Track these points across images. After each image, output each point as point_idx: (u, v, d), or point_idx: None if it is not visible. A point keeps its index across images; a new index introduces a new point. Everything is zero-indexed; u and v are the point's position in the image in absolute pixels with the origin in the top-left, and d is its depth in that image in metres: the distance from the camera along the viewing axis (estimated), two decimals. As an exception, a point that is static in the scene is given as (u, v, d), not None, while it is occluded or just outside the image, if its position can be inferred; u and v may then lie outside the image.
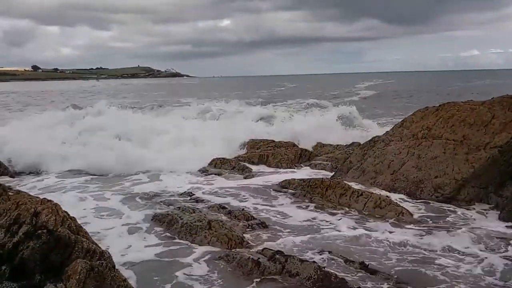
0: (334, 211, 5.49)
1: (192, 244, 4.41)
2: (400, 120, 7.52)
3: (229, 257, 3.99)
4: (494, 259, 3.95)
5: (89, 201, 6.01)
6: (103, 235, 4.57)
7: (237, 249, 4.25)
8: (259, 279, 3.58)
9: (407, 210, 5.38)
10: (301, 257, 3.86)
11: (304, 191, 6.17)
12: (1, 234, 2.84)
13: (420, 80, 59.27)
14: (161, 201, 5.97)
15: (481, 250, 4.19)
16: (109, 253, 3.02)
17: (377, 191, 6.05)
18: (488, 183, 5.77)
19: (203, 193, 6.44)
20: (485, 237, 4.51)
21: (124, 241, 4.53)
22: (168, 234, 4.68)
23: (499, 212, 5.20)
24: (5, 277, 2.65)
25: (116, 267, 2.98)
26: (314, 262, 3.76)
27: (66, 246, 2.81)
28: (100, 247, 3.01)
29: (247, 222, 5.02)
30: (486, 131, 6.12)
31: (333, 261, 3.95)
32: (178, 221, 4.88)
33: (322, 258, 4.01)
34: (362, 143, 8.24)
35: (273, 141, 10.09)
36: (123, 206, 5.74)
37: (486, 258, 4.00)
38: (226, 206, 5.56)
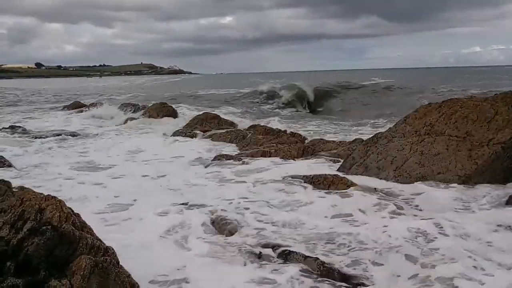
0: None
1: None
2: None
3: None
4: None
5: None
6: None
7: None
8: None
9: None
10: (303, 253, 3.88)
11: (307, 188, 6.17)
12: (6, 230, 2.86)
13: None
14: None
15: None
16: (113, 249, 3.03)
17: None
18: (491, 179, 5.77)
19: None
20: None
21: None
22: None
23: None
24: (10, 273, 2.67)
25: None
26: (317, 258, 3.77)
27: (70, 242, 2.83)
28: (104, 243, 3.03)
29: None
30: (489, 127, 6.11)
31: (337, 257, 3.95)
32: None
33: (326, 253, 4.02)
34: (365, 140, 8.25)
35: (276, 137, 10.16)
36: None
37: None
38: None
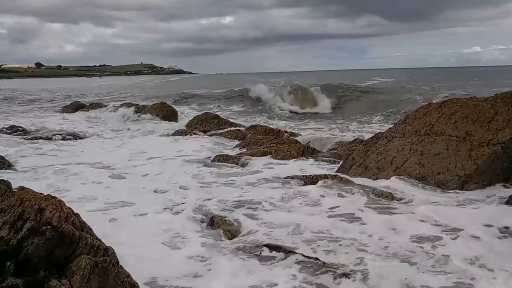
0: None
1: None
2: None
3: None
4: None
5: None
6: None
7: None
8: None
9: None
10: (303, 253, 3.88)
11: (307, 188, 6.17)
12: (6, 230, 2.86)
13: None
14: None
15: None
16: (113, 249, 3.04)
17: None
18: (491, 179, 5.77)
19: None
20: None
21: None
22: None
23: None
24: (10, 273, 2.67)
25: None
26: (317, 258, 3.78)
27: (70, 242, 2.83)
28: (104, 243, 3.03)
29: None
30: (489, 127, 6.11)
31: (336, 257, 3.95)
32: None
33: (326, 253, 4.02)
34: (365, 140, 8.26)
35: (276, 137, 10.17)
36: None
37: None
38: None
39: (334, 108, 20.53)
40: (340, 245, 4.14)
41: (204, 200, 5.63)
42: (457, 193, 5.59)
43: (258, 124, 13.35)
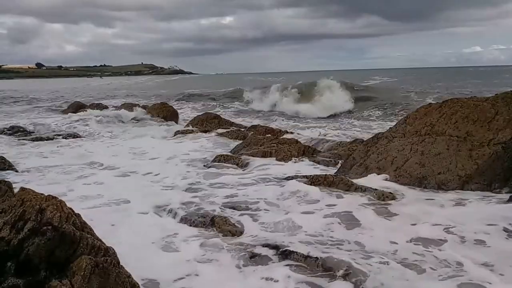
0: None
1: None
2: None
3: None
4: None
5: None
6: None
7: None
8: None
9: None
10: (303, 253, 3.88)
11: (307, 188, 6.16)
12: (7, 230, 2.86)
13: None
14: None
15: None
16: (113, 249, 3.04)
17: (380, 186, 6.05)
18: (492, 179, 5.77)
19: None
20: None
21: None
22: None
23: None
24: (11, 273, 2.67)
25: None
26: (317, 258, 3.77)
27: (71, 242, 2.83)
28: (104, 244, 3.03)
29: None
30: (490, 127, 6.11)
31: (336, 257, 3.95)
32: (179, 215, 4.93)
33: (326, 253, 4.02)
34: (365, 140, 8.26)
35: (276, 137, 10.17)
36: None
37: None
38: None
39: (336, 110, 20.22)
40: (339, 246, 4.14)
41: (204, 200, 5.64)
42: (458, 193, 5.59)
43: (258, 124, 13.37)
